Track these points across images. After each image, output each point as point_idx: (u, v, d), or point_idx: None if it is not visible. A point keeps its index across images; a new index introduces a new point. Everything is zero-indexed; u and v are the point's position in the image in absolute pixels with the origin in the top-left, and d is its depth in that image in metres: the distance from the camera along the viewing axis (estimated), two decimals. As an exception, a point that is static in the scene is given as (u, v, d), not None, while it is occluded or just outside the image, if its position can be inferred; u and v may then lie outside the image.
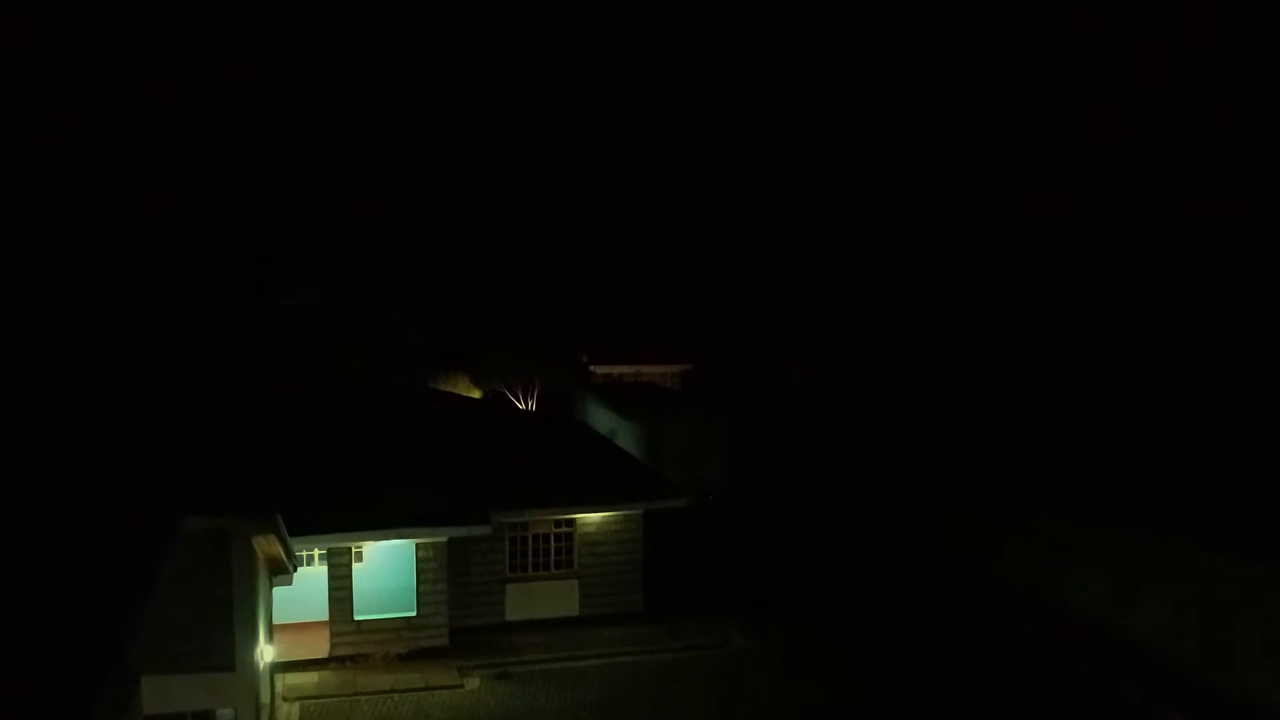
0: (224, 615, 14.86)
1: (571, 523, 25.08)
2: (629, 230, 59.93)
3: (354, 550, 22.66)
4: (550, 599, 25.00)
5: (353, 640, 22.57)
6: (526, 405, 48.16)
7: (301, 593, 22.23)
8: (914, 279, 52.48)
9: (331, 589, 22.46)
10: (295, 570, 19.05)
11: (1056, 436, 36.24)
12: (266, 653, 17.41)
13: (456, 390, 45.49)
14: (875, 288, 53.80)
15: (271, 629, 19.43)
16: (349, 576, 22.52)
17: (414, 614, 22.91)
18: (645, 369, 50.59)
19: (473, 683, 21.64)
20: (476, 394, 47.74)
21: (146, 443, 17.58)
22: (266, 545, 16.24)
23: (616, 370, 50.12)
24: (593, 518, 25.17)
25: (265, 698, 17.64)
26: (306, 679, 21.52)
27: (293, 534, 18.27)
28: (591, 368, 50.08)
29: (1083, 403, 39.12)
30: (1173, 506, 26.26)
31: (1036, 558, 27.95)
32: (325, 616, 22.55)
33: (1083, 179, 47.57)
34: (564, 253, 57.48)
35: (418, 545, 22.78)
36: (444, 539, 22.85)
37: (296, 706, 20.29)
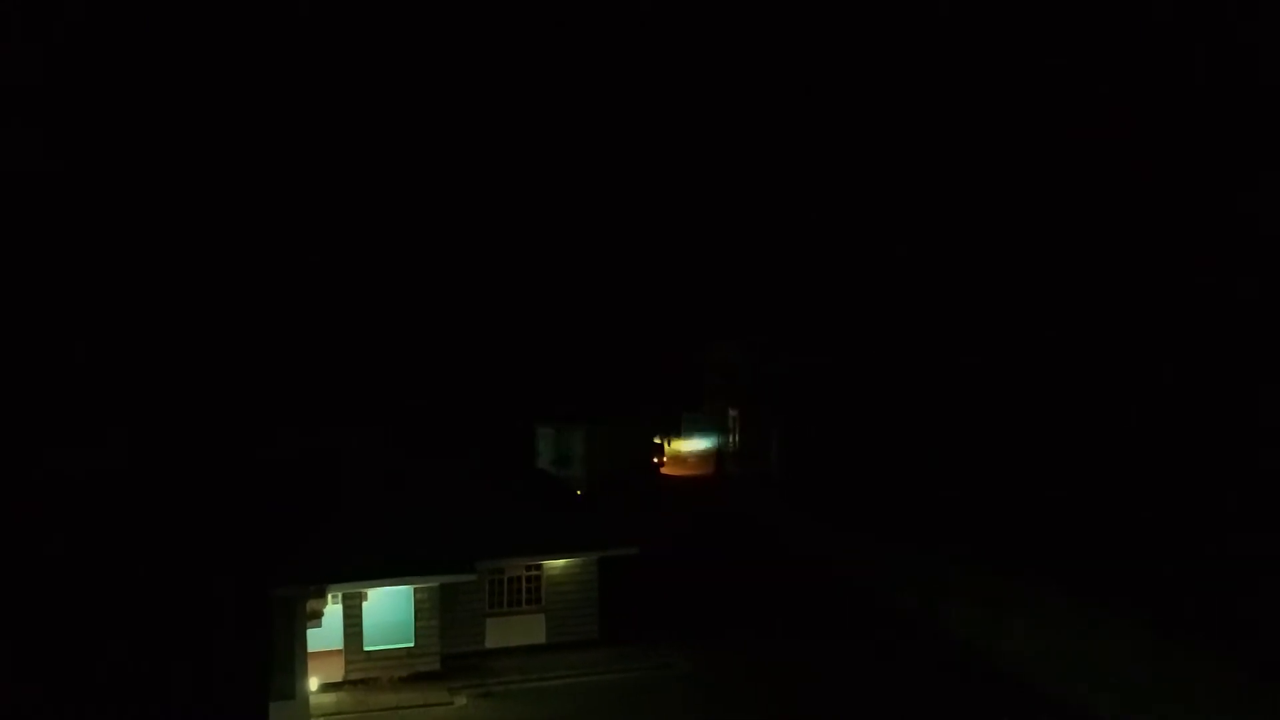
0: (288, 656, 20.07)
1: (539, 567, 30.51)
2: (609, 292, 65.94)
3: (364, 593, 27.90)
4: (522, 630, 30.39)
5: (363, 666, 27.76)
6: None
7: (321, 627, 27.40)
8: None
9: (346, 624, 27.59)
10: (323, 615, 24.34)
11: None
12: (312, 682, 22.67)
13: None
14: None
15: (305, 661, 24.60)
16: (360, 614, 27.68)
17: (412, 644, 28.10)
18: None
19: (460, 700, 26.84)
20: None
21: (231, 524, 22.69)
22: (314, 603, 21.50)
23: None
24: (557, 563, 30.63)
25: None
26: (328, 699, 26.59)
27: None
28: None
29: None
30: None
31: (927, 595, 33.95)
32: (340, 646, 27.64)
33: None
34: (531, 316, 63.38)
35: (415, 589, 28.07)
36: (436, 584, 28.20)
37: (322, 722, 25.51)
